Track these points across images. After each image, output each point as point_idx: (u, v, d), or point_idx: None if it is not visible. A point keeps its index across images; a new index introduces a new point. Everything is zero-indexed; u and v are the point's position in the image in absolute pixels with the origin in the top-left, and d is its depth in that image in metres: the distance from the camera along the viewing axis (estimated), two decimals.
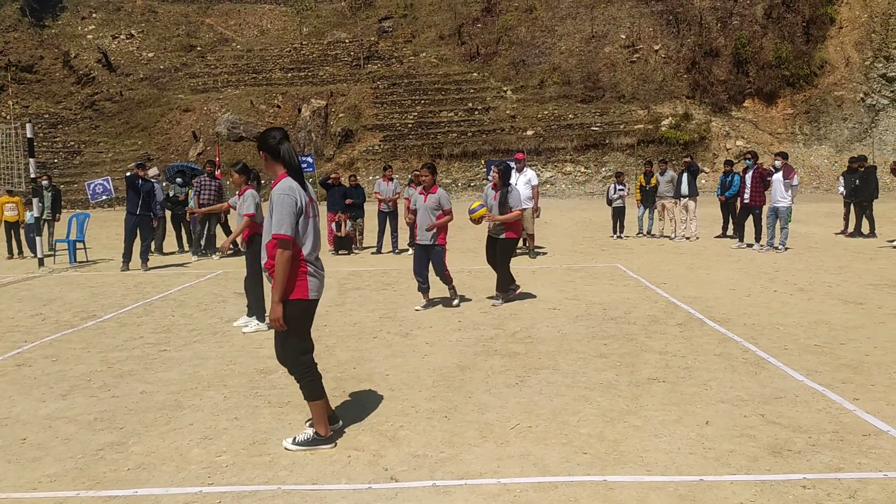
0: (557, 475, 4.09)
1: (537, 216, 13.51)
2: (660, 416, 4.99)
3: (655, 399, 5.35)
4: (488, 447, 4.52)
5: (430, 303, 9.10)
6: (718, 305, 8.79)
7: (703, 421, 4.88)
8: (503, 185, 9.12)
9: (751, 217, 14.80)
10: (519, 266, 12.40)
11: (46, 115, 42.54)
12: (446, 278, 9.03)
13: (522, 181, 13.17)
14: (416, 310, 8.86)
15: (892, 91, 36.95)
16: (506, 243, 9.11)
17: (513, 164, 14.36)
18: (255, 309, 8.17)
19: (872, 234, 16.19)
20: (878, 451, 4.33)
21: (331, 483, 4.06)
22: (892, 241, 14.38)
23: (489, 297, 9.43)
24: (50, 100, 44.71)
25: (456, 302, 9.10)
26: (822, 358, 6.36)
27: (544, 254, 14.14)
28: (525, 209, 13.02)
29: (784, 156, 14.09)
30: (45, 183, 15.42)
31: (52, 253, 15.39)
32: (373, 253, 14.92)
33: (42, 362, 6.82)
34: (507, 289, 9.26)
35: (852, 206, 16.48)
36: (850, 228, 16.44)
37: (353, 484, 4.05)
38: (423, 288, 9.04)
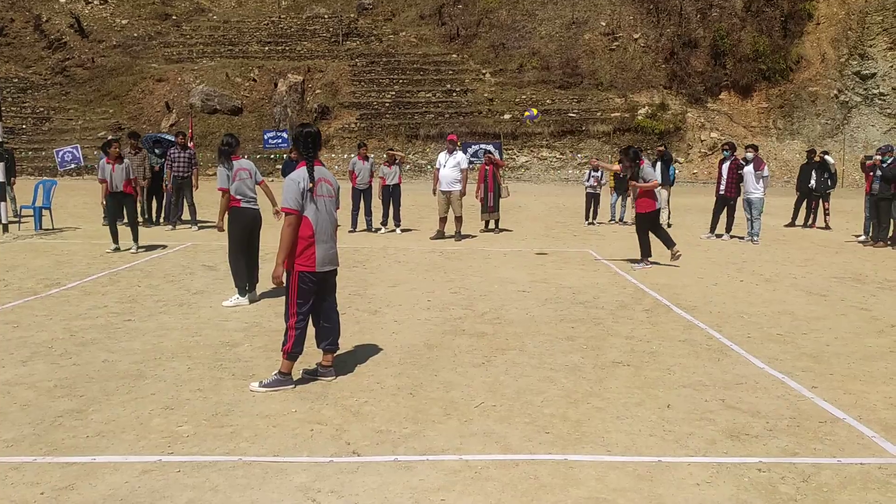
0: (519, 453, 4.12)
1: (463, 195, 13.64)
2: (622, 399, 5.04)
3: (619, 382, 5.40)
4: (452, 424, 4.54)
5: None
6: (686, 293, 8.89)
7: (665, 404, 4.94)
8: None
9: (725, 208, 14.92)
10: (491, 248, 12.42)
11: (16, 80, 41.51)
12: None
13: (451, 163, 13.51)
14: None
15: (865, 89, 37.40)
16: None
17: (490, 147, 14.23)
18: (235, 282, 8.05)
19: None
20: (833, 437, 4.43)
21: (292, 455, 4.05)
22: (859, 235, 14.64)
23: None
24: (19, 64, 43.62)
25: None
26: (784, 347, 6.46)
27: (503, 231, 14.15)
28: (452, 192, 13.44)
29: (755, 148, 14.40)
30: None
31: (17, 219, 15.07)
32: (349, 231, 14.67)
33: (3, 328, 6.70)
34: None
35: (821, 200, 16.78)
36: (821, 223, 16.74)
37: (314, 457, 4.04)
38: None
